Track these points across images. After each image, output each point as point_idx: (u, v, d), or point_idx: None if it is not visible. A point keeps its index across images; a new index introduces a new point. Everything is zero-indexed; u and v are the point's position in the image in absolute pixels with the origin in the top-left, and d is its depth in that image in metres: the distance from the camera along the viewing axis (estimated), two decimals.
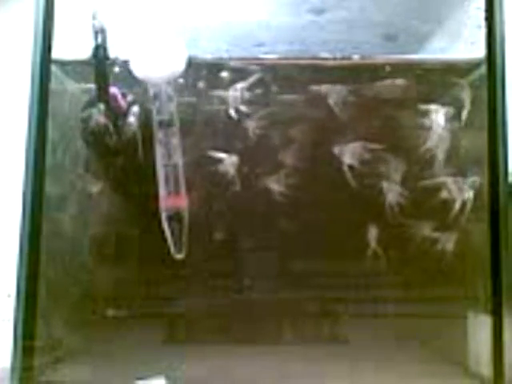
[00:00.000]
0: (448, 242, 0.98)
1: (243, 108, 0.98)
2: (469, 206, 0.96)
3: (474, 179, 0.96)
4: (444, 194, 0.98)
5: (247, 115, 0.99)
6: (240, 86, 0.99)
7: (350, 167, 0.98)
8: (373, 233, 1.00)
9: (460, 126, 0.99)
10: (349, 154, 0.98)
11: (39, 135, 0.90)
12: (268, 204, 1.00)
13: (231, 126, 1.00)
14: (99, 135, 0.93)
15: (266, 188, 1.00)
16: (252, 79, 0.98)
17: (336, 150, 0.99)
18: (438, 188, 0.98)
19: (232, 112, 0.98)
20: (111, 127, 0.93)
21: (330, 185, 1.02)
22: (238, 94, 0.98)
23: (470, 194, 0.96)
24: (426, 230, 0.99)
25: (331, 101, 0.98)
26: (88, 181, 1.01)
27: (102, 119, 0.92)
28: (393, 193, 0.99)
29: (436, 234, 0.98)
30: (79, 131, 0.96)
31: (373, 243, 0.99)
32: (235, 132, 1.00)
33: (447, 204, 0.97)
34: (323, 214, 1.02)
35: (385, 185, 0.99)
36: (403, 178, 0.99)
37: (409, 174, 0.99)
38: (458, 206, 0.96)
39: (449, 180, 0.98)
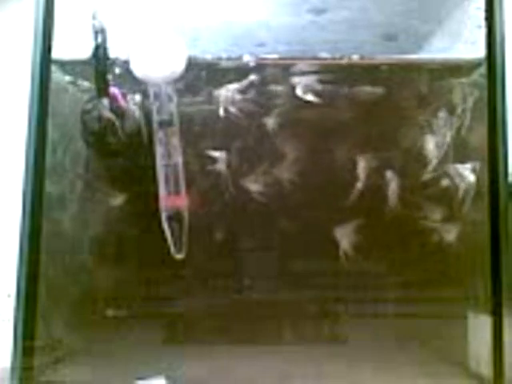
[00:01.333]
0: (450, 233, 0.98)
1: (233, 109, 0.98)
2: (471, 191, 0.96)
3: (475, 164, 0.97)
4: (446, 182, 0.98)
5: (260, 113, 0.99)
6: (233, 87, 0.99)
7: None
8: (343, 233, 0.99)
9: (460, 126, 0.99)
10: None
11: (39, 135, 0.90)
12: (267, 204, 1.00)
13: (230, 125, 1.00)
14: (103, 131, 0.93)
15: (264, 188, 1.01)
16: (246, 82, 0.99)
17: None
18: (440, 178, 0.98)
19: (221, 112, 0.98)
20: (117, 122, 0.92)
21: (329, 184, 1.02)
22: (229, 94, 0.98)
23: (471, 179, 0.96)
24: (430, 220, 0.99)
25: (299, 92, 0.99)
26: (109, 193, 1.01)
27: (107, 113, 0.92)
28: (395, 182, 0.99)
29: (439, 225, 0.99)
30: (80, 128, 0.96)
31: (344, 244, 0.99)
32: (230, 131, 1.00)
33: (450, 192, 0.98)
34: (322, 213, 1.02)
35: (388, 174, 0.99)
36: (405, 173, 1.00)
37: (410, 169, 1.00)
38: (461, 191, 0.97)
39: (450, 168, 0.98)
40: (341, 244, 0.99)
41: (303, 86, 0.98)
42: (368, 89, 1.00)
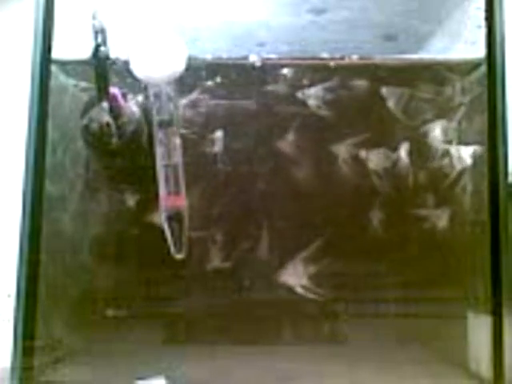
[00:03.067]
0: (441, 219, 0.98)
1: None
2: (466, 175, 0.97)
3: (475, 149, 0.97)
4: (446, 161, 0.98)
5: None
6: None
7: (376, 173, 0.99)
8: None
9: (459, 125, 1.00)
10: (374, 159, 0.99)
11: (39, 135, 0.90)
12: (267, 203, 1.00)
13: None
14: (103, 132, 0.93)
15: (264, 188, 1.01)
16: (193, 96, 0.98)
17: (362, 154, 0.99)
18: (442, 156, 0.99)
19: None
20: (114, 126, 0.92)
21: (329, 183, 1.02)
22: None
23: (468, 162, 0.97)
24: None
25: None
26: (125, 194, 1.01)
27: (105, 118, 0.91)
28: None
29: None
30: (80, 134, 0.96)
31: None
32: None
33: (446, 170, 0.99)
34: (322, 212, 1.02)
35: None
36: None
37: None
38: (455, 173, 0.97)
39: (452, 148, 0.99)
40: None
41: (315, 98, 0.98)
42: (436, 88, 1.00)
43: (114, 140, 0.93)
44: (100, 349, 0.99)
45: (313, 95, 0.99)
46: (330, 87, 1.00)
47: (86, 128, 0.93)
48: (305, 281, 0.98)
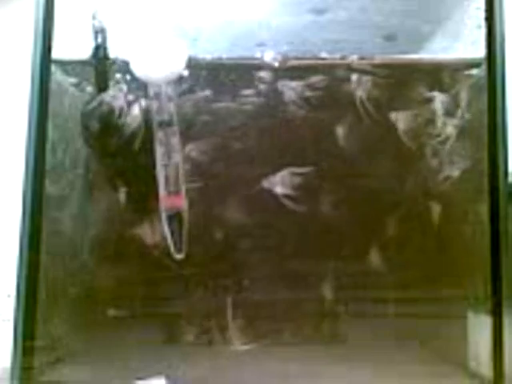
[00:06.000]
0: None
1: None
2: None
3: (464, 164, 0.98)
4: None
5: None
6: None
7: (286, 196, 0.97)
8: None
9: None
10: (279, 184, 0.97)
11: (39, 135, 0.90)
12: (268, 204, 1.00)
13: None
14: (103, 131, 0.92)
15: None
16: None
17: (265, 183, 0.97)
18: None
19: None
20: (125, 109, 0.92)
21: (332, 182, 1.02)
22: None
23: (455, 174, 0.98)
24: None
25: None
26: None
27: (117, 102, 0.91)
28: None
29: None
30: (80, 128, 0.96)
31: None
32: None
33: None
34: (321, 212, 1.02)
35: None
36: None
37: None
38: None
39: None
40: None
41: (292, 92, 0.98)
42: None
43: (114, 139, 0.93)
44: (100, 349, 0.98)
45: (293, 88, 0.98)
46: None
47: (86, 128, 0.93)
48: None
